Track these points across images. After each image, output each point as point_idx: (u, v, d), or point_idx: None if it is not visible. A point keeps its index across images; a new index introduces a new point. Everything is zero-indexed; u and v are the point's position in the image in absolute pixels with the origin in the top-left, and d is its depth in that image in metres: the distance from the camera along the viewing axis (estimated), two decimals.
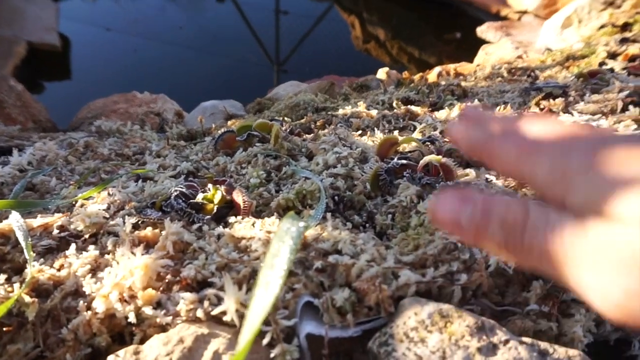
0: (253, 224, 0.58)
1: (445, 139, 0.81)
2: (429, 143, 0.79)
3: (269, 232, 0.54)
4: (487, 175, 0.69)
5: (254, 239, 0.53)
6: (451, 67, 1.42)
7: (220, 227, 0.58)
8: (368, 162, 0.75)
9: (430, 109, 1.01)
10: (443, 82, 1.23)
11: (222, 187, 0.64)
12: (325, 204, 0.62)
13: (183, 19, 4.21)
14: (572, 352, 0.39)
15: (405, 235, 0.57)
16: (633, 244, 0.20)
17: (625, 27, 1.45)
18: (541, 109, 0.86)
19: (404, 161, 0.72)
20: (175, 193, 0.62)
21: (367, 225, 0.63)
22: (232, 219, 0.59)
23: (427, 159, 0.69)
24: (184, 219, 0.59)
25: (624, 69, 1.13)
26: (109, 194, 0.62)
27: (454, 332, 0.42)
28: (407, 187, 0.66)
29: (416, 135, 0.85)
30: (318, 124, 1.00)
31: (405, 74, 1.46)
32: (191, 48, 3.56)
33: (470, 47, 2.97)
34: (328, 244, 0.51)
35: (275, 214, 0.63)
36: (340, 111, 1.02)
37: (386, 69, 1.41)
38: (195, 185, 0.67)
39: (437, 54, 3.35)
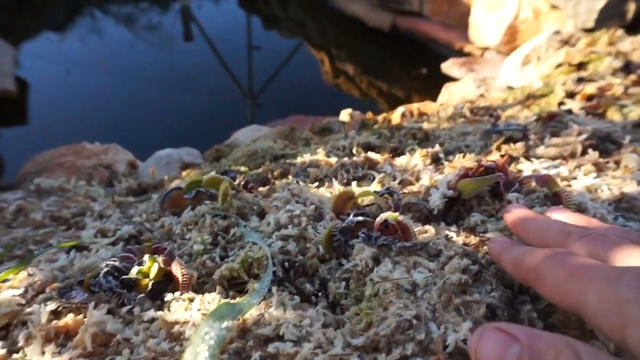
0: (191, 301, 0.53)
1: (404, 191, 0.78)
2: (387, 195, 0.75)
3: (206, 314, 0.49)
4: (447, 232, 0.65)
5: (188, 324, 0.48)
6: (415, 106, 1.42)
7: (152, 310, 0.52)
8: (323, 219, 0.71)
9: (391, 154, 0.98)
10: (406, 124, 1.22)
11: (160, 258, 0.59)
12: (273, 274, 0.57)
13: (151, 57, 4.18)
14: None
15: (358, 309, 0.52)
16: None
17: (581, 66, 1.48)
18: (502, 156, 0.84)
19: (361, 218, 0.68)
20: (106, 269, 0.56)
21: (320, 294, 0.58)
22: (169, 296, 0.54)
23: (383, 216, 0.65)
24: (113, 300, 0.53)
25: (582, 108, 1.14)
26: (28, 273, 0.55)
27: None
28: (362, 249, 0.62)
29: (375, 186, 0.81)
30: (275, 173, 0.96)
31: (369, 115, 1.44)
32: (158, 88, 3.52)
33: (436, 82, 3.03)
34: (269, 328, 0.46)
35: (218, 287, 0.57)
36: (299, 159, 0.98)
37: (349, 110, 1.40)
38: (132, 255, 0.61)
39: (405, 88, 3.41)
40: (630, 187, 0.70)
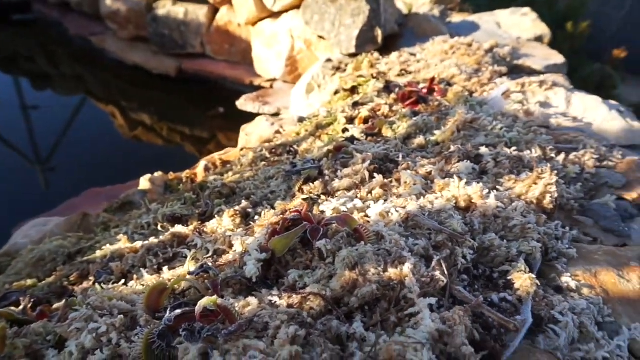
0: None
1: (220, 262, 0.75)
2: (203, 274, 0.71)
3: None
4: (270, 298, 0.65)
5: None
6: (216, 157, 1.40)
7: None
8: (137, 324, 0.63)
9: (199, 221, 0.94)
10: (212, 179, 1.19)
11: None
12: None
13: None
14: None
15: None
16: None
17: (354, 90, 1.67)
18: (305, 199, 0.88)
19: (179, 311, 0.62)
20: None
21: None
22: None
23: (202, 304, 0.61)
24: None
25: (362, 132, 1.28)
26: None
27: None
28: (186, 349, 0.56)
29: (188, 265, 0.76)
30: (72, 279, 0.83)
31: (172, 175, 1.37)
32: None
33: (236, 119, 3.09)
34: None
35: None
36: (99, 253, 0.87)
37: (148, 176, 1.30)
38: None
39: (208, 128, 3.39)
40: (411, 206, 0.80)
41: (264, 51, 2.77)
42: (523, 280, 0.67)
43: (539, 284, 0.68)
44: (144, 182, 1.29)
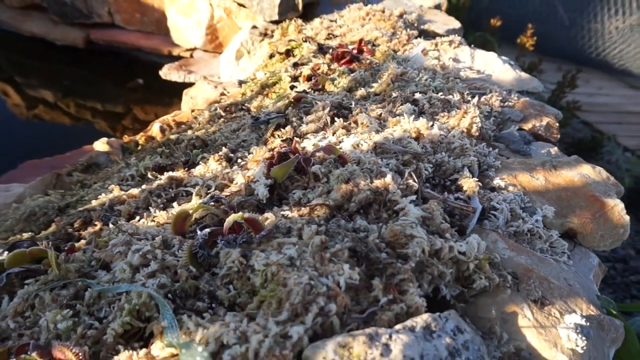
0: None
1: (226, 194, 0.86)
2: (215, 203, 0.82)
3: None
4: (282, 213, 0.78)
5: None
6: (169, 118, 1.45)
7: None
8: (172, 245, 0.73)
9: (185, 168, 1.03)
10: (173, 137, 1.26)
11: (34, 354, 0.52)
12: (170, 307, 0.59)
13: None
14: (445, 313, 0.53)
15: (260, 297, 0.60)
16: None
17: (288, 53, 1.79)
18: (283, 140, 1.01)
19: (207, 230, 0.73)
20: None
21: (214, 305, 0.63)
22: None
23: (230, 220, 0.73)
24: None
25: (309, 88, 1.42)
26: None
27: (359, 354, 0.49)
28: (227, 253, 0.68)
29: (195, 200, 0.86)
30: (76, 225, 0.88)
31: (126, 138, 1.40)
32: None
33: (159, 90, 3.02)
34: (213, 345, 0.50)
35: (117, 346, 0.55)
36: (95, 202, 0.92)
37: (105, 139, 1.33)
38: None
39: (123, 102, 3.26)
40: (377, 137, 0.97)
41: (182, 20, 2.74)
42: (469, 183, 0.88)
43: (480, 185, 0.90)
44: (102, 145, 1.31)
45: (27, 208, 0.93)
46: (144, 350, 0.53)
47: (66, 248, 0.75)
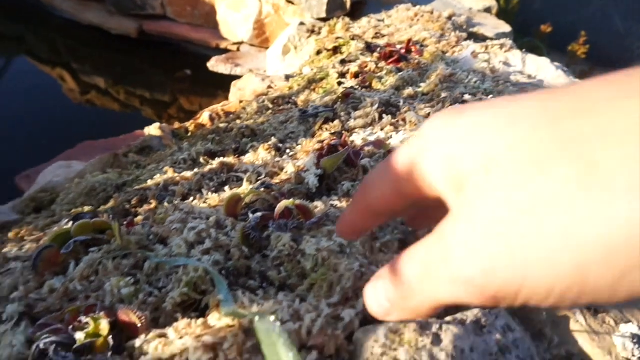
0: (164, 337, 0.53)
1: (276, 181, 0.89)
2: (266, 189, 0.85)
3: (199, 337, 0.51)
4: (332, 202, 0.80)
5: (189, 351, 0.49)
6: (218, 107, 1.50)
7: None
8: (224, 226, 0.76)
9: (236, 155, 1.06)
10: (222, 125, 1.30)
11: (102, 314, 0.55)
12: (225, 283, 0.61)
13: None
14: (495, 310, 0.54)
15: (311, 280, 0.62)
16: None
17: (336, 50, 1.81)
18: (332, 134, 1.02)
19: (259, 214, 0.76)
20: (52, 346, 0.50)
21: (265, 285, 0.65)
22: (137, 343, 0.53)
23: (282, 205, 0.75)
24: None
25: (356, 85, 1.43)
26: None
27: (410, 340, 0.50)
28: (279, 237, 0.71)
29: (246, 185, 0.89)
30: (133, 202, 0.92)
31: (177, 124, 1.45)
32: None
33: (205, 81, 3.10)
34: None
35: (176, 314, 0.58)
36: (150, 182, 0.97)
37: (157, 124, 1.38)
38: (56, 326, 0.55)
39: (169, 92, 3.36)
40: None
41: (231, 14, 2.81)
42: None
43: None
44: (155, 130, 1.36)
45: (88, 183, 0.98)
46: (202, 319, 0.56)
47: (125, 222, 0.79)
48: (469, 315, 0.55)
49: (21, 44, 3.84)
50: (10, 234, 0.91)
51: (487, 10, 2.64)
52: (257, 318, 0.35)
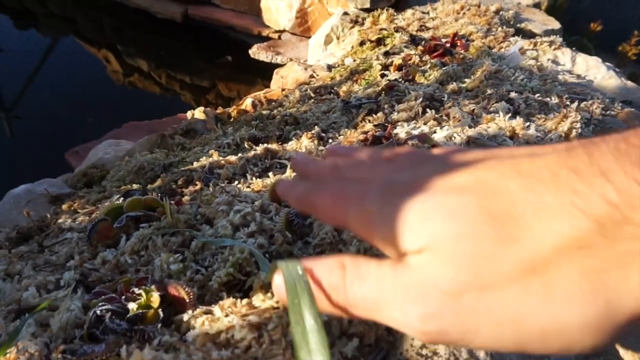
0: (210, 313, 0.55)
1: None
2: None
3: (245, 316, 0.53)
4: None
5: (234, 328, 0.51)
6: (261, 94, 1.52)
7: (171, 335, 0.53)
8: (268, 211, 0.78)
9: (279, 142, 1.08)
10: (265, 112, 1.32)
11: (153, 287, 0.58)
12: (269, 265, 0.63)
13: None
14: None
15: None
16: (418, 278, 0.23)
17: (379, 41, 1.79)
18: (376, 125, 1.02)
19: None
20: (108, 314, 0.53)
21: None
22: (184, 317, 0.55)
23: None
24: (134, 340, 0.52)
25: (400, 77, 1.42)
26: (18, 349, 0.49)
27: None
28: (321, 224, 0.72)
29: (289, 172, 0.91)
30: (180, 182, 0.95)
31: (220, 109, 1.48)
32: None
33: (245, 68, 3.14)
34: None
35: (221, 293, 0.60)
36: (196, 164, 1.00)
37: (202, 108, 1.41)
38: (111, 295, 0.58)
39: (209, 77, 3.42)
40: (470, 131, 0.97)
41: (274, 2, 2.82)
42: None
43: None
44: (199, 113, 1.39)
45: (137, 162, 1.02)
46: (246, 299, 0.58)
47: (172, 202, 0.82)
48: None
49: (71, 24, 3.98)
50: (64, 206, 0.96)
51: (536, 5, 2.56)
52: (284, 263, 0.32)
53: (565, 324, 0.20)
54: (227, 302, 0.57)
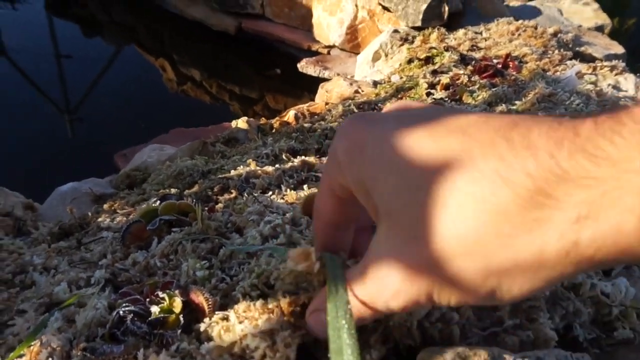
0: (226, 319, 0.54)
1: None
2: None
3: (256, 324, 0.51)
4: None
5: (248, 337, 0.50)
6: (304, 107, 1.52)
7: (188, 343, 0.52)
8: (299, 224, 0.77)
9: (318, 156, 1.07)
10: (306, 125, 1.32)
11: (177, 292, 0.58)
12: None
13: None
14: (578, 355, 0.49)
15: None
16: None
17: (428, 60, 1.76)
18: None
19: None
20: (130, 315, 0.53)
21: None
22: (202, 326, 0.54)
23: None
24: (153, 344, 0.52)
25: (446, 97, 1.39)
26: (42, 343, 0.50)
27: None
28: None
29: None
30: (215, 190, 0.96)
31: (263, 120, 1.50)
32: None
33: (293, 81, 3.18)
34: None
35: (244, 299, 0.59)
36: (233, 172, 1.00)
37: (245, 118, 1.43)
38: (136, 296, 0.59)
39: (257, 89, 3.49)
40: None
41: (326, 18, 2.85)
42: None
43: None
44: (242, 123, 1.41)
45: (177, 167, 1.04)
46: (260, 301, 0.56)
47: (206, 208, 0.83)
48: (549, 355, 0.51)
49: (133, 33, 4.20)
50: (105, 206, 0.99)
51: (599, 28, 2.44)
52: (328, 254, 0.37)
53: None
54: (242, 305, 0.56)
